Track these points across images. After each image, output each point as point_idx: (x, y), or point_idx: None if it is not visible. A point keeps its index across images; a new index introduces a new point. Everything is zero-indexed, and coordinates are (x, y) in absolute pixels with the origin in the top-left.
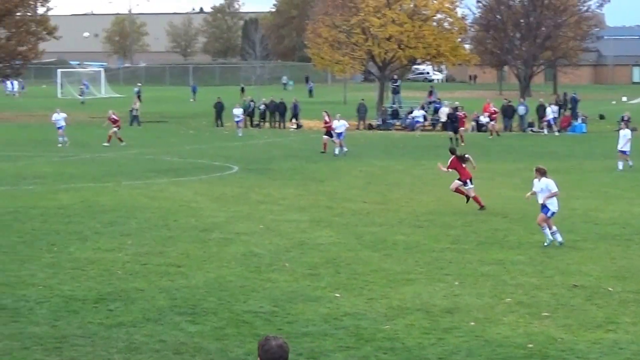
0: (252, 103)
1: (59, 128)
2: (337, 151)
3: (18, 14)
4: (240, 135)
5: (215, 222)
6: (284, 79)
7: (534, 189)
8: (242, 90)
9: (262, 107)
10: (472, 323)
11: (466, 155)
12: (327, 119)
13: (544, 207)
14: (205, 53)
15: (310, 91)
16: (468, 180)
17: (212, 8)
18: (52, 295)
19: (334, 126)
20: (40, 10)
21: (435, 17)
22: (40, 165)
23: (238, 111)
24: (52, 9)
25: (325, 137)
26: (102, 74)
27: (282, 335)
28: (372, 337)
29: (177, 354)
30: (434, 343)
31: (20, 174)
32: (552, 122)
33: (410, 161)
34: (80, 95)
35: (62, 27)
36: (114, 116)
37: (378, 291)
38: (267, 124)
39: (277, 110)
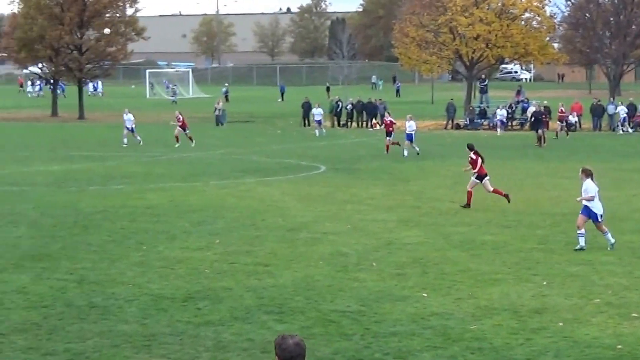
0: (339, 103)
1: (126, 128)
2: (406, 153)
3: (107, 15)
4: (318, 135)
5: (303, 221)
6: (374, 78)
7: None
8: (328, 89)
9: (349, 106)
10: (561, 324)
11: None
12: (388, 119)
13: (585, 209)
14: (293, 53)
15: (398, 91)
16: (479, 175)
17: (299, 8)
18: (141, 294)
19: (405, 127)
20: (129, 11)
21: (523, 16)
22: (129, 165)
23: (317, 111)
24: (140, 10)
25: (388, 138)
26: (190, 75)
27: (369, 334)
28: (460, 337)
29: (265, 352)
30: (522, 343)
31: (110, 174)
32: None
33: (498, 161)
34: (172, 96)
35: (150, 27)
36: (179, 116)
37: (465, 291)
38: (354, 124)
39: (364, 110)
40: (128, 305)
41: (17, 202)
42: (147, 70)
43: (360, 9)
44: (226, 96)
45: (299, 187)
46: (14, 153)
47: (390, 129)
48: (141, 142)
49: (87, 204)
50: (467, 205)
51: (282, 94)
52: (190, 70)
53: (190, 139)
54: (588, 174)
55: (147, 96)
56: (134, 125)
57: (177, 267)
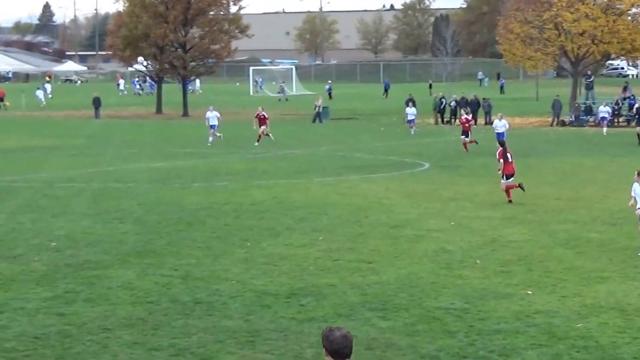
0: (442, 100)
1: (211, 127)
2: None
3: (211, 13)
4: (412, 134)
5: (406, 218)
6: (480, 74)
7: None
8: (430, 87)
9: (453, 103)
10: None
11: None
12: (464, 117)
13: None
14: (396, 50)
15: (502, 87)
16: (507, 176)
17: (402, 5)
18: (245, 290)
19: (494, 125)
20: (233, 9)
21: (630, 11)
22: (233, 162)
23: (411, 110)
24: (244, 7)
25: (463, 137)
26: (294, 72)
27: (473, 332)
28: (565, 335)
29: (369, 349)
30: (629, 342)
31: (214, 171)
32: None
33: (604, 158)
34: (279, 93)
35: (254, 25)
36: (262, 113)
37: (571, 289)
38: (457, 121)
39: (468, 107)
40: (232, 301)
41: (122, 198)
42: (251, 68)
43: (464, 5)
44: (329, 93)
45: (402, 184)
46: (119, 150)
47: (466, 127)
48: (221, 137)
49: (191, 200)
50: (510, 202)
51: (386, 91)
52: (294, 67)
53: (268, 134)
54: None
55: (251, 93)
56: (217, 123)
57: (281, 264)
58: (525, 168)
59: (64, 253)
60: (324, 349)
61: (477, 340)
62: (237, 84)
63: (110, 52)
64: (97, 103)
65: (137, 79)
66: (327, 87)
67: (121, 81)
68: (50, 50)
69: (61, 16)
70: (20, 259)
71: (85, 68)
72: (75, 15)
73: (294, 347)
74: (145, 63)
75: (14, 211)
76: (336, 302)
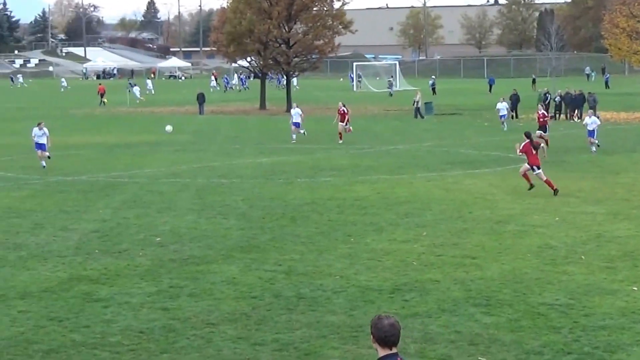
0: (547, 95)
1: (294, 124)
2: (594, 149)
3: (315, 9)
4: (505, 130)
5: (510, 214)
6: (587, 69)
7: None
8: (534, 82)
9: (558, 98)
10: None
11: (541, 144)
12: (541, 112)
13: None
14: (500, 45)
15: (606, 82)
16: (535, 167)
17: (507, 0)
18: (349, 285)
19: (584, 122)
20: (337, 4)
21: None
22: (337, 158)
23: (502, 105)
24: (348, 3)
25: (539, 132)
26: (397, 67)
27: (577, 328)
28: None
29: (472, 344)
30: None
31: (318, 166)
32: None
33: None
34: (389, 88)
35: (357, 21)
36: (343, 109)
37: None
38: (562, 116)
39: (572, 102)
40: (336, 296)
41: (226, 194)
42: (354, 63)
43: (569, 0)
44: (433, 89)
45: (506, 179)
46: (224, 146)
47: (542, 122)
48: (305, 133)
49: (295, 195)
50: (555, 191)
51: (491, 87)
52: (397, 63)
53: (342, 133)
54: None
55: (354, 89)
56: (300, 120)
57: (385, 259)
58: (631, 163)
59: (169, 248)
60: (372, 336)
61: (582, 336)
62: (341, 79)
63: (214, 48)
64: (201, 99)
65: (242, 75)
66: (430, 82)
67: (213, 78)
68: (155, 47)
69: (165, 13)
70: (125, 254)
71: (189, 64)
72: (179, 12)
73: None
74: (248, 59)
75: (119, 206)
76: (440, 298)
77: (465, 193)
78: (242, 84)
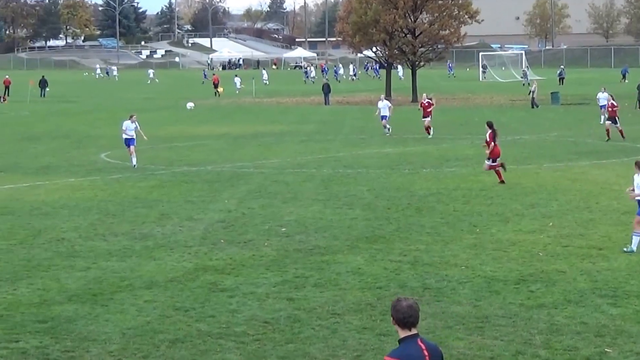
0: None
1: (382, 117)
2: None
3: None
4: (601, 122)
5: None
6: None
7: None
8: None
9: None
10: None
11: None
12: (610, 102)
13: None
14: (627, 34)
15: None
16: (493, 158)
17: None
18: (474, 276)
19: None
20: None
21: None
22: (463, 148)
23: (603, 95)
24: None
25: (608, 122)
26: (523, 57)
27: None
28: None
29: (599, 336)
30: None
31: (444, 156)
32: None
33: None
34: (523, 78)
35: (483, 10)
36: (427, 100)
37: None
38: None
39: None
40: (461, 287)
41: (352, 184)
42: (480, 53)
43: None
44: (561, 78)
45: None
46: (349, 136)
47: (612, 112)
48: (389, 132)
49: (420, 186)
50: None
51: (624, 75)
52: (524, 52)
53: (430, 127)
54: None
55: (480, 79)
56: (388, 114)
57: (510, 250)
58: None
59: (294, 238)
60: (392, 319)
61: None
62: (467, 69)
63: (339, 39)
64: (326, 89)
65: (370, 64)
66: (558, 71)
67: (311, 68)
68: (280, 37)
69: (291, 3)
70: (251, 244)
71: (314, 54)
72: (305, 2)
73: (522, 333)
74: (374, 49)
75: (244, 197)
76: (566, 289)
77: (592, 183)
78: (354, 75)
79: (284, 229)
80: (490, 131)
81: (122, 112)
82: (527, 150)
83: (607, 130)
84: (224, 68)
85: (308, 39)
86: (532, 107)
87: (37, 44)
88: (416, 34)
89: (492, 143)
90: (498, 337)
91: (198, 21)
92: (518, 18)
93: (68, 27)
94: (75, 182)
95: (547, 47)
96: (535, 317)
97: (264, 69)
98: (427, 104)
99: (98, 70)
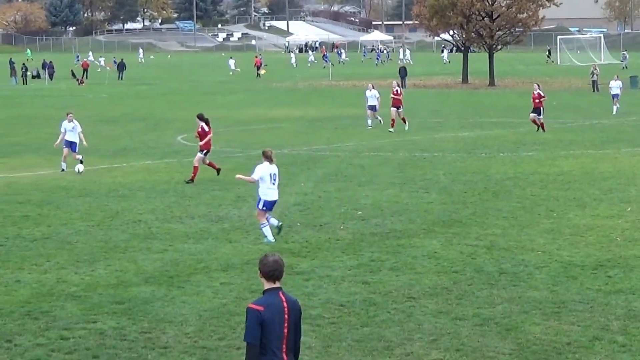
0: None
1: (369, 107)
2: None
3: None
4: (614, 113)
5: None
6: None
7: None
8: None
9: None
10: None
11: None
12: None
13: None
14: None
15: None
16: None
17: None
18: (551, 261)
19: None
20: None
21: None
22: (540, 132)
23: (615, 84)
24: None
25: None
26: (602, 40)
27: None
28: None
29: None
30: None
31: (520, 141)
32: None
33: None
34: (622, 60)
35: None
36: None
37: None
38: None
39: None
40: (538, 272)
41: (428, 168)
42: (558, 37)
43: None
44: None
45: None
46: (425, 120)
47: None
48: (382, 122)
49: (497, 170)
50: (191, 181)
51: None
52: (602, 36)
53: (394, 120)
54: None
55: (558, 62)
56: (377, 104)
57: (587, 235)
58: None
59: (370, 222)
60: (259, 271)
61: None
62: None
63: (416, 22)
64: (403, 73)
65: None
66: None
67: (311, 53)
68: (357, 20)
69: None
70: (327, 227)
71: (391, 38)
72: None
73: (600, 319)
74: (451, 32)
75: (320, 180)
76: None
77: None
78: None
79: (359, 213)
80: (201, 124)
81: (198, 95)
82: (605, 135)
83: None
84: (300, 51)
85: (385, 22)
86: (593, 90)
87: (115, 27)
88: (493, 17)
89: (207, 136)
90: (575, 322)
91: (275, 4)
92: (597, 1)
93: (145, 10)
94: (152, 165)
95: (626, 31)
96: (612, 303)
97: (341, 49)
98: (395, 92)
99: (141, 55)
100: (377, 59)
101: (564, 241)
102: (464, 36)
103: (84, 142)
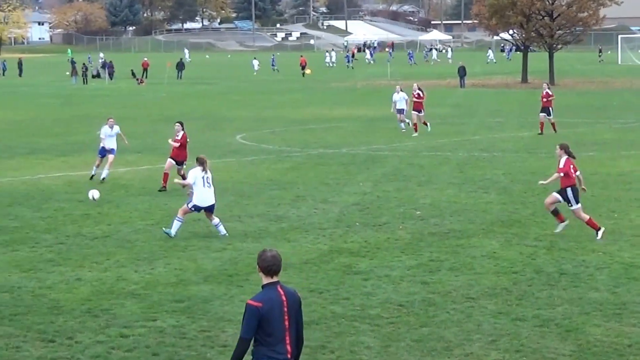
0: None
1: (398, 111)
2: None
3: None
4: None
5: None
6: None
7: None
8: None
9: None
10: None
11: None
12: None
13: None
14: None
15: None
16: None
17: None
18: (612, 262)
19: None
20: None
21: None
22: (600, 132)
23: None
24: None
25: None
26: None
27: None
28: None
29: None
30: None
31: (581, 141)
32: None
33: None
34: None
35: None
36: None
37: None
38: None
39: None
40: (598, 273)
41: (487, 168)
42: (619, 36)
43: None
44: None
45: None
46: (485, 119)
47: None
48: (405, 129)
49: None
50: (163, 189)
51: None
52: None
53: (417, 124)
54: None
55: (619, 62)
56: (405, 107)
57: None
58: None
59: (429, 222)
60: (257, 266)
61: None
62: (608, 52)
63: (475, 21)
64: (462, 72)
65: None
66: None
67: (332, 54)
68: (416, 20)
69: None
70: (386, 227)
71: (450, 37)
72: None
73: None
74: (510, 32)
75: (379, 179)
76: None
77: None
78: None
79: (418, 212)
80: (182, 132)
81: (257, 94)
82: None
83: None
84: (359, 50)
85: (444, 22)
86: None
87: (174, 27)
88: (554, 16)
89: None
90: (636, 324)
91: (333, 4)
92: None
93: (204, 10)
94: (210, 164)
95: None
96: None
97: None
98: (416, 95)
99: (187, 55)
100: (410, 59)
101: (625, 242)
102: (523, 35)
103: (126, 141)
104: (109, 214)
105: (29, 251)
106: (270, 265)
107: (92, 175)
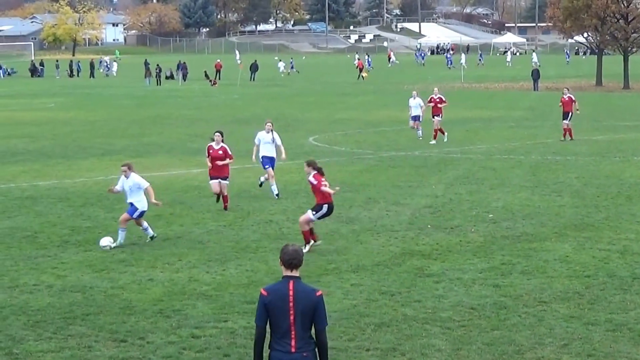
0: None
1: (412, 118)
2: None
3: None
4: None
5: None
6: None
7: None
8: None
9: None
10: None
11: None
12: None
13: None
14: None
15: None
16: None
17: None
18: None
19: None
20: None
21: None
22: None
23: None
24: None
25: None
26: None
27: None
28: None
29: None
30: None
31: None
32: None
33: None
34: None
35: None
36: (438, 96)
37: None
38: None
39: None
40: None
41: (560, 171)
42: None
43: None
44: None
45: None
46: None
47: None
48: (421, 137)
49: (631, 174)
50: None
51: None
52: None
53: (437, 131)
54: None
55: None
56: (421, 114)
57: None
58: None
59: (501, 225)
60: (280, 260)
61: None
62: None
63: (549, 24)
64: (535, 75)
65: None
66: None
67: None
68: (490, 22)
69: None
70: (458, 229)
71: (524, 40)
72: None
73: None
74: (585, 35)
75: (451, 182)
76: None
77: None
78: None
79: (491, 215)
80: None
81: (330, 96)
82: None
83: None
84: (432, 53)
85: (518, 24)
86: None
87: (248, 28)
88: (629, 19)
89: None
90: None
91: (407, 6)
92: None
93: (278, 12)
94: (283, 166)
95: None
96: None
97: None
98: (438, 100)
99: (238, 56)
100: (449, 62)
101: None
102: (598, 38)
103: (283, 156)
104: (181, 215)
105: (101, 251)
106: (291, 259)
107: (261, 183)
